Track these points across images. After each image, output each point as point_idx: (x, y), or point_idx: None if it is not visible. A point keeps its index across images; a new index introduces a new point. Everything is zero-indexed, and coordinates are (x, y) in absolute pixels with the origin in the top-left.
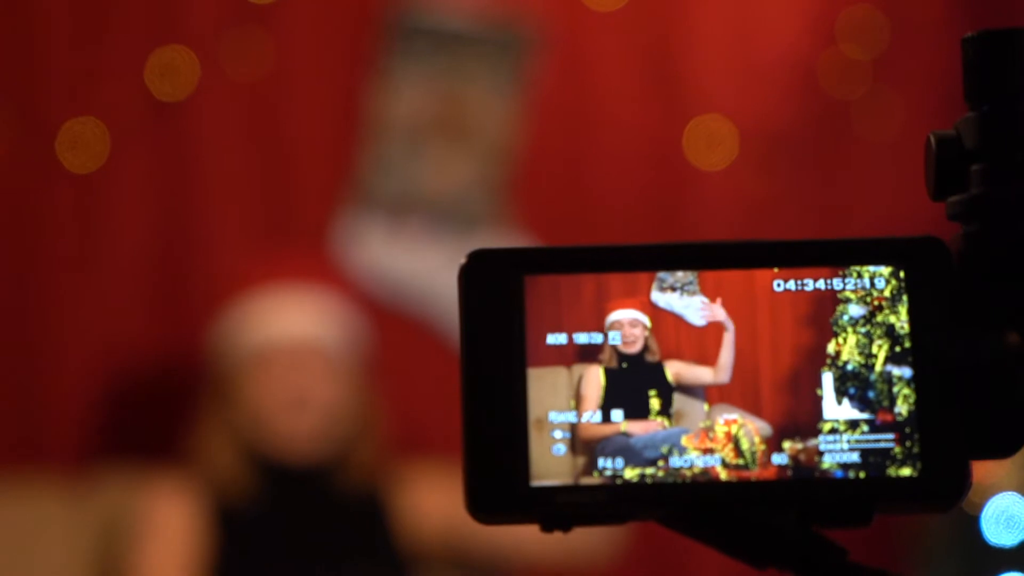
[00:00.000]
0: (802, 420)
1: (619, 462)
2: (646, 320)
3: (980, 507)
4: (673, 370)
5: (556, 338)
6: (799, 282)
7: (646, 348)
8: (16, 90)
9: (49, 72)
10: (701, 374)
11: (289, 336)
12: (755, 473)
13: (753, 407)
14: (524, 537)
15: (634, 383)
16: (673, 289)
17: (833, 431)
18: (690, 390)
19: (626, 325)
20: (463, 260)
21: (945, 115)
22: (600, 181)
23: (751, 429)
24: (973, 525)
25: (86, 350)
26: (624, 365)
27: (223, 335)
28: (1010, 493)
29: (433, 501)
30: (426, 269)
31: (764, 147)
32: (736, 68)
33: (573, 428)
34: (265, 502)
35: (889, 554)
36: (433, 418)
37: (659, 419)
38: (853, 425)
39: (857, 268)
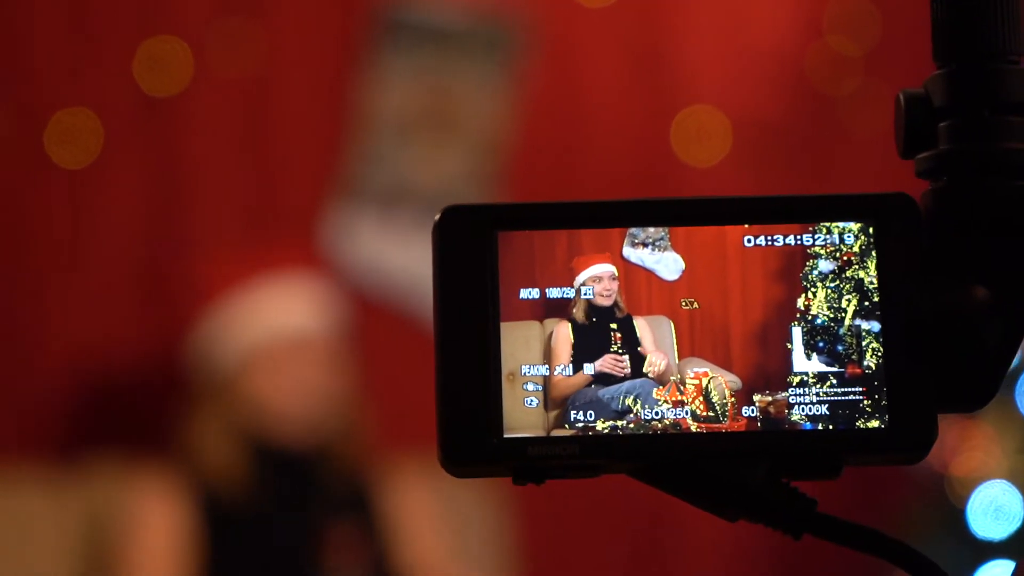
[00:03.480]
0: (772, 373)
1: (590, 415)
2: (617, 274)
3: (966, 499)
4: (641, 328)
5: (529, 293)
6: (769, 238)
7: (616, 303)
8: (3, 81)
9: (37, 62)
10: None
11: (286, 326)
12: (725, 425)
13: (723, 361)
14: None
15: (603, 337)
16: (644, 245)
17: (802, 384)
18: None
19: (605, 279)
20: (436, 215)
21: None
22: (588, 173)
23: (721, 382)
24: (960, 518)
25: (74, 344)
26: (594, 319)
27: (218, 329)
28: (999, 481)
29: (418, 501)
30: (415, 261)
31: (753, 140)
32: (725, 62)
33: (545, 381)
34: (258, 492)
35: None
36: (420, 410)
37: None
38: (822, 378)
39: (827, 224)
